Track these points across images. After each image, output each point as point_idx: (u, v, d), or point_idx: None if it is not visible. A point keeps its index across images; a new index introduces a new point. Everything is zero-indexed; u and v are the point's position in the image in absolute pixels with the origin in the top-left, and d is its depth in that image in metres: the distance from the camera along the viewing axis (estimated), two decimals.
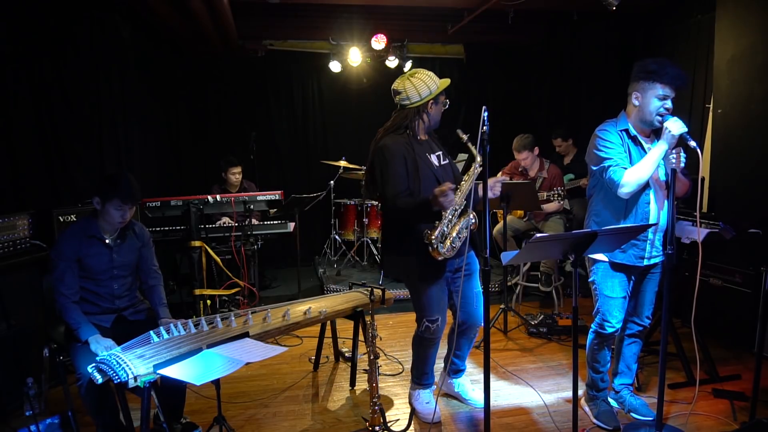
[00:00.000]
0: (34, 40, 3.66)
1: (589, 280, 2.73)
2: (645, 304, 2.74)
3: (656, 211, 2.55)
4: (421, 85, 2.62)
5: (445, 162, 2.76)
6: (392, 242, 2.79)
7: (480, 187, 2.50)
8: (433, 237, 2.54)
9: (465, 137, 2.50)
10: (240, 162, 5.08)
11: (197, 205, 3.91)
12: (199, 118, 6.24)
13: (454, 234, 2.58)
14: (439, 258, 2.57)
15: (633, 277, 2.66)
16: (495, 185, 2.65)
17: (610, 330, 2.66)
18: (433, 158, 2.71)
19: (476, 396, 3.01)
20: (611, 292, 2.63)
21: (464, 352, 3.02)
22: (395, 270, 2.78)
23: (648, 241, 2.57)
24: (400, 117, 2.69)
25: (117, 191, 2.51)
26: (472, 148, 2.53)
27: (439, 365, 3.14)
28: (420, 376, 2.93)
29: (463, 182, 2.63)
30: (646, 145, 2.54)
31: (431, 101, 2.65)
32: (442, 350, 2.96)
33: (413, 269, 2.67)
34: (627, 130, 2.54)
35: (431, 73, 2.67)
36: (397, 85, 2.67)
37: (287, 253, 6.30)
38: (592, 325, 2.75)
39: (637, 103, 2.49)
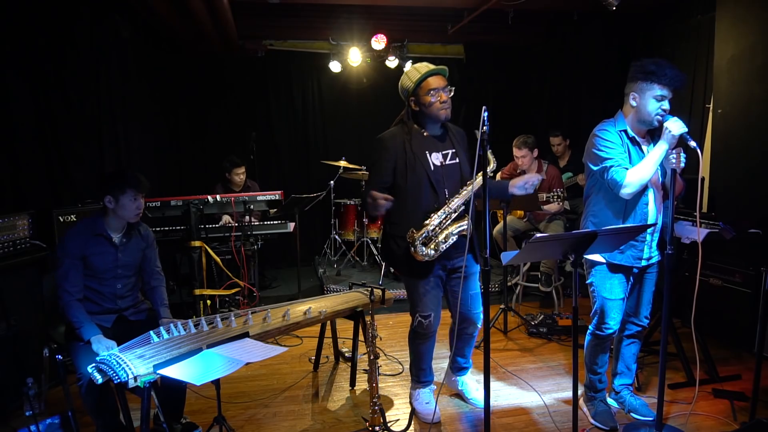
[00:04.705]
0: (34, 40, 3.65)
1: (588, 282, 2.73)
2: (643, 304, 2.74)
3: (655, 211, 2.56)
4: (404, 78, 2.65)
5: (452, 162, 2.66)
6: (388, 232, 2.77)
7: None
8: (416, 237, 2.53)
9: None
10: (243, 161, 5.08)
11: (197, 205, 3.91)
12: (199, 118, 6.24)
13: (441, 237, 2.54)
14: (418, 259, 2.55)
15: (631, 278, 2.66)
16: (529, 182, 2.63)
17: (608, 332, 2.65)
18: (435, 157, 2.63)
19: (478, 396, 3.01)
20: (610, 294, 2.63)
21: (466, 351, 3.02)
22: (391, 258, 2.77)
23: (646, 242, 2.57)
24: (403, 111, 2.71)
25: (129, 183, 2.56)
26: (489, 153, 2.50)
27: (440, 364, 3.14)
28: (418, 374, 2.93)
29: (462, 189, 2.59)
30: (643, 146, 2.54)
31: (416, 95, 2.61)
32: (444, 349, 2.96)
33: (404, 263, 2.66)
34: (626, 131, 2.53)
35: (421, 65, 2.61)
36: None
37: (287, 253, 6.31)
38: (590, 327, 2.74)
39: (634, 103, 2.48)
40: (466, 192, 2.57)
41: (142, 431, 2.19)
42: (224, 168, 5.05)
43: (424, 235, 2.53)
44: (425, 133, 2.66)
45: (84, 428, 2.70)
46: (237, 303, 4.54)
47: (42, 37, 3.72)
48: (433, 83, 2.56)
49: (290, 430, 2.80)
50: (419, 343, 2.83)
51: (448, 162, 2.66)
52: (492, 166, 2.57)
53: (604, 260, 2.61)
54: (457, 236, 2.55)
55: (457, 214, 2.57)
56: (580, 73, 6.15)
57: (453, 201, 2.56)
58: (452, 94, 2.60)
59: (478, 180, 2.54)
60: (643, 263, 2.61)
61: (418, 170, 2.59)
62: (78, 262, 2.53)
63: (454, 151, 2.68)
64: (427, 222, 2.55)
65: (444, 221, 2.56)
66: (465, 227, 2.54)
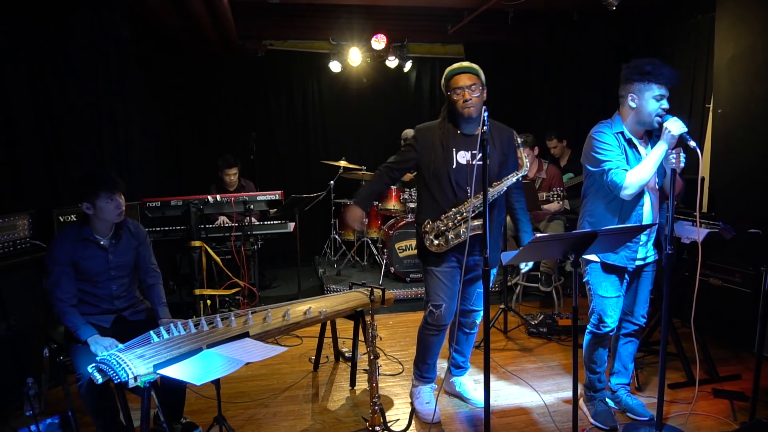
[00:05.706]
0: (34, 39, 3.65)
1: (584, 280, 2.73)
2: (640, 303, 2.74)
3: (651, 213, 2.56)
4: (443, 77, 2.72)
5: (480, 163, 2.68)
6: (416, 220, 2.86)
7: None
8: (429, 228, 2.61)
9: (519, 141, 2.50)
10: (236, 162, 5.05)
11: (197, 205, 3.91)
12: (199, 118, 6.24)
13: (452, 234, 2.58)
14: (430, 249, 2.62)
15: (626, 277, 2.67)
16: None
17: (605, 330, 2.66)
18: (461, 155, 2.64)
19: (477, 396, 3.01)
20: (605, 292, 2.63)
21: (463, 348, 3.02)
22: (417, 245, 2.85)
23: (640, 243, 2.57)
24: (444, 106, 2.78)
25: (100, 185, 2.48)
26: (523, 155, 2.60)
27: (440, 364, 3.14)
28: (421, 368, 2.93)
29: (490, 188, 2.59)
30: (640, 147, 2.54)
31: (446, 93, 2.68)
32: (445, 350, 2.95)
33: (421, 249, 2.74)
34: (622, 133, 2.53)
35: (456, 65, 2.66)
36: None
37: (287, 253, 6.31)
38: (588, 326, 2.75)
39: (633, 105, 2.48)
40: (489, 192, 2.56)
41: (142, 431, 2.19)
42: (218, 167, 5.02)
43: (437, 227, 2.60)
44: (458, 131, 2.69)
45: (84, 428, 2.70)
46: (237, 303, 4.54)
47: (42, 37, 3.72)
48: (459, 81, 2.62)
49: (290, 430, 2.80)
50: (428, 335, 2.83)
51: (476, 162, 2.65)
52: (524, 169, 2.64)
53: (598, 259, 2.62)
54: (470, 235, 2.55)
55: (475, 213, 2.57)
56: (580, 73, 6.15)
57: (472, 200, 2.57)
58: (477, 93, 2.60)
59: (503, 183, 2.61)
60: (638, 263, 2.62)
61: (440, 165, 2.64)
62: (69, 269, 2.50)
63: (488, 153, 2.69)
64: (443, 216, 2.61)
65: (460, 218, 2.59)
66: (478, 227, 2.55)
